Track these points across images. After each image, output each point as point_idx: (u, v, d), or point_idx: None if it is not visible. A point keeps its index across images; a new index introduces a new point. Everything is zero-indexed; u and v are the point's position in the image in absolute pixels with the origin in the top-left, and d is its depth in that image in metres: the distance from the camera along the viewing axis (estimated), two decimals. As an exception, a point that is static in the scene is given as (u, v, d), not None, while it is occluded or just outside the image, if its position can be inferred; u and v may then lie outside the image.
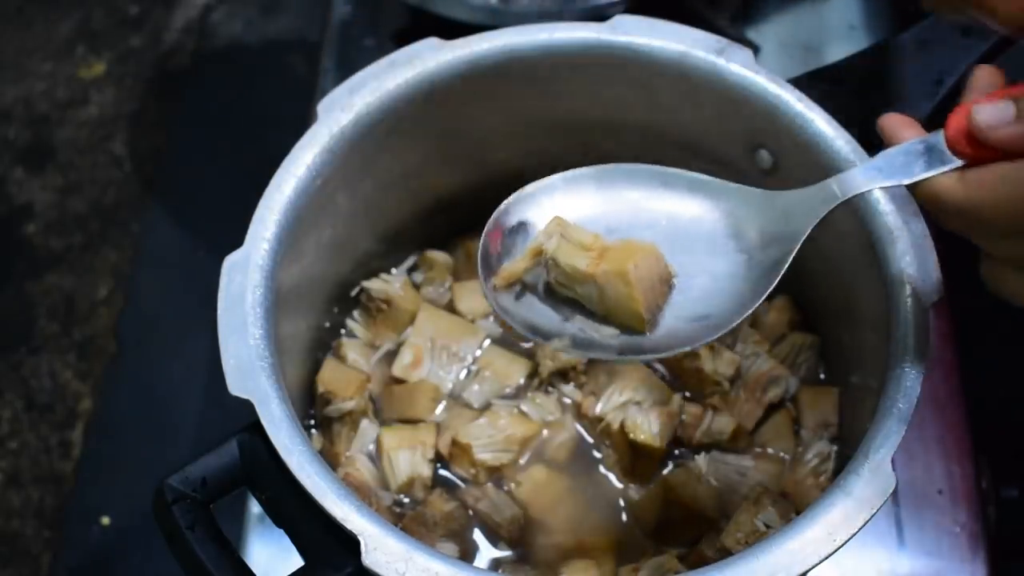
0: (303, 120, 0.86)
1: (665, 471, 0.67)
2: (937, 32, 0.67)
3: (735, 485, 0.66)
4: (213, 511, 0.52)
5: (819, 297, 0.69)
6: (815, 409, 0.68)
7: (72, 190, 1.52)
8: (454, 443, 0.67)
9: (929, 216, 0.59)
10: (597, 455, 0.69)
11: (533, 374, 0.71)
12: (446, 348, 0.71)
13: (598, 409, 0.68)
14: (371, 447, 0.68)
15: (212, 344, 0.54)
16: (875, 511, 0.50)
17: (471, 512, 0.66)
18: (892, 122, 0.49)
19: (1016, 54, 0.70)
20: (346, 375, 0.70)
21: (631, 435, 0.65)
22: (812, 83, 0.64)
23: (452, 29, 0.78)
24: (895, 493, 0.57)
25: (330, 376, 0.70)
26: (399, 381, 0.71)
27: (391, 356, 0.72)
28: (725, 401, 0.68)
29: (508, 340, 0.73)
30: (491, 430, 0.67)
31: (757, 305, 0.50)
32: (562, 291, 0.53)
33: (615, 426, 0.66)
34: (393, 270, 0.75)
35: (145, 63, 1.64)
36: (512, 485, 0.67)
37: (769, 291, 0.50)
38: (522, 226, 0.54)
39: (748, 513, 0.62)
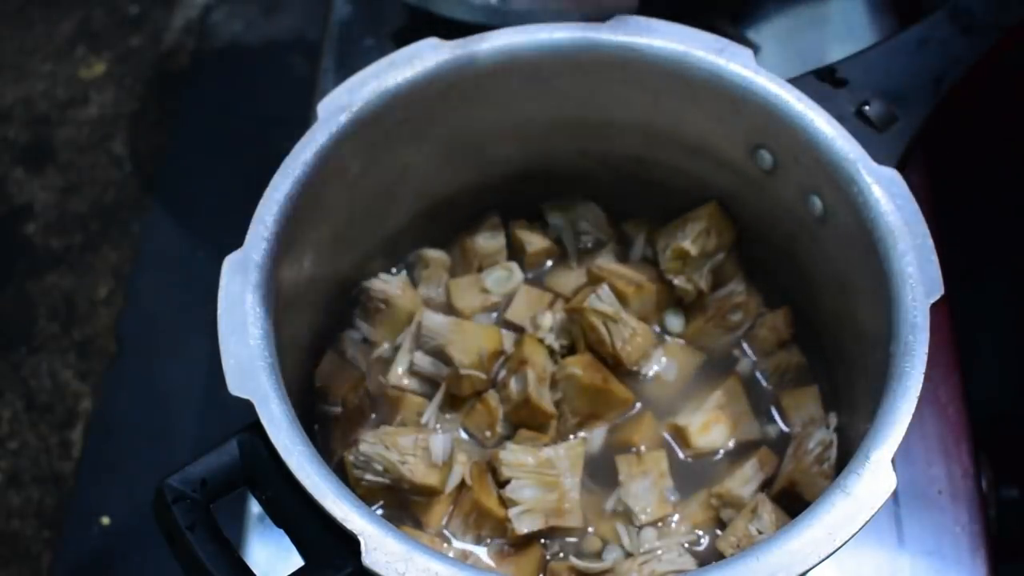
0: (303, 120, 0.86)
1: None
2: (937, 32, 0.67)
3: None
4: (213, 511, 0.52)
5: (820, 298, 0.69)
6: (800, 410, 0.69)
7: (72, 190, 1.52)
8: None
9: (929, 216, 0.59)
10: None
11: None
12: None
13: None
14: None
15: (212, 344, 0.54)
16: (875, 511, 0.50)
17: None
18: None
19: (1016, 56, 0.70)
20: (343, 372, 0.70)
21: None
22: (812, 83, 0.64)
23: (452, 29, 0.78)
24: (895, 493, 0.57)
25: (327, 371, 0.70)
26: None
27: (390, 355, 0.72)
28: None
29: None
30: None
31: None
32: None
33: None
34: (392, 269, 0.75)
35: (145, 63, 1.64)
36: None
37: None
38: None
39: (744, 519, 0.63)
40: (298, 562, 0.51)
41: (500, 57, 0.65)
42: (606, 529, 0.66)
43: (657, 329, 0.73)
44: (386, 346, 0.73)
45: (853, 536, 0.50)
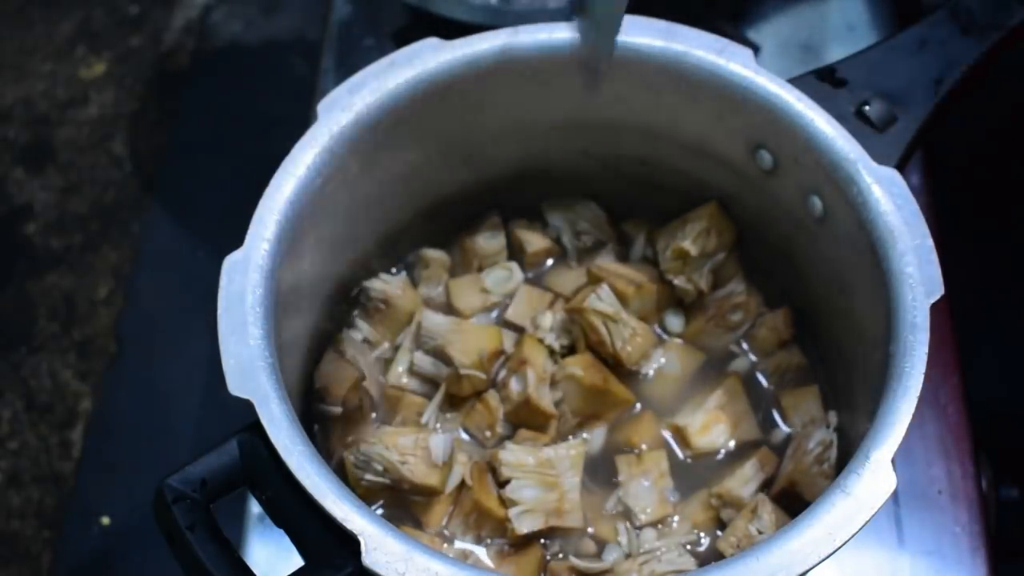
0: (303, 120, 0.86)
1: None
2: (937, 32, 0.67)
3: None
4: (213, 511, 0.52)
5: (820, 299, 0.69)
6: (800, 410, 0.69)
7: (72, 190, 1.52)
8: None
9: (929, 216, 0.59)
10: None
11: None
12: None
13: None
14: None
15: (212, 344, 0.54)
16: (875, 511, 0.50)
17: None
18: None
19: (1016, 56, 0.70)
20: (343, 372, 0.70)
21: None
22: (812, 83, 0.64)
23: (452, 29, 0.78)
24: (895, 493, 0.57)
25: (327, 371, 0.70)
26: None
27: (390, 356, 0.72)
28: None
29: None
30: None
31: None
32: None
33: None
34: (392, 269, 0.75)
35: (145, 63, 1.64)
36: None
37: None
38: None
39: (744, 519, 0.63)
40: (298, 562, 0.51)
41: (500, 57, 0.65)
42: (606, 529, 0.66)
43: (657, 329, 0.73)
44: (386, 346, 0.73)
45: (853, 536, 0.50)
